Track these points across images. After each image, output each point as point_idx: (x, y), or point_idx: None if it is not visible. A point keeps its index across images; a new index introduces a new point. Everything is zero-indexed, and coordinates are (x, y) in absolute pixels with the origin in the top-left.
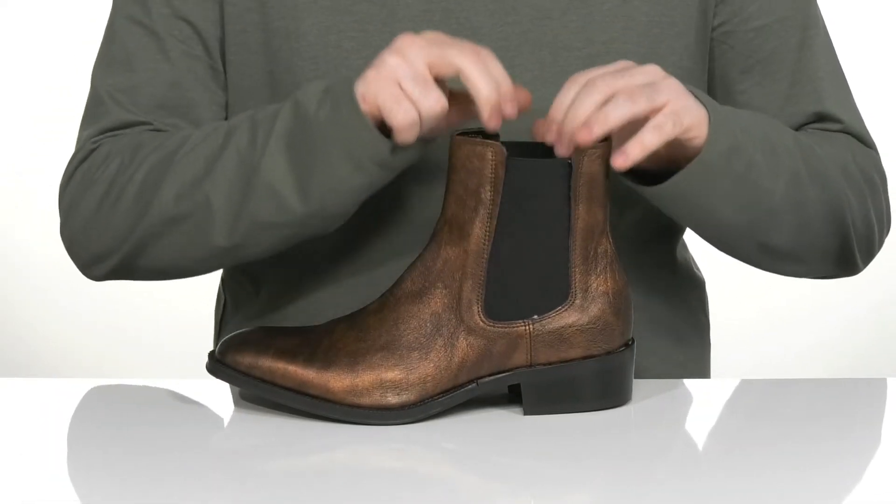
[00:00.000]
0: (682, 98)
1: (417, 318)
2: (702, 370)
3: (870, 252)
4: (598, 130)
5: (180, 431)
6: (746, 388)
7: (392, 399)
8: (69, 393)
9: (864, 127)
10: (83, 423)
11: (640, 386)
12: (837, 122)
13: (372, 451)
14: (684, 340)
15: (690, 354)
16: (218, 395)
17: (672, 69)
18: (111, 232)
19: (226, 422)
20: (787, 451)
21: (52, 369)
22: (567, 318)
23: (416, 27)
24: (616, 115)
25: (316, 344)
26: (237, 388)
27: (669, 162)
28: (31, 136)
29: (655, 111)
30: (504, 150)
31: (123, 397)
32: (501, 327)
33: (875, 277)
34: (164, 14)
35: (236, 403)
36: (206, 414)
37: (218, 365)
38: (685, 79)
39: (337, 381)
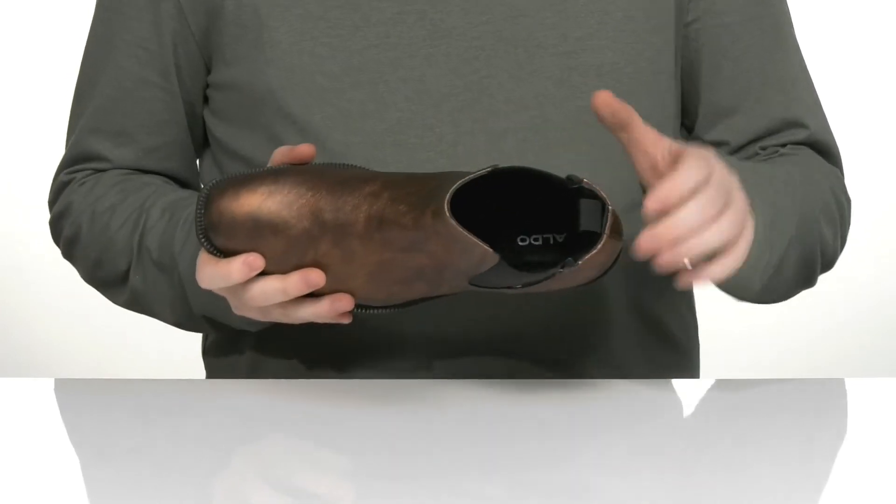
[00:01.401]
0: (748, 230)
1: (402, 265)
2: (690, 370)
3: (829, 267)
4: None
5: (181, 431)
6: (736, 388)
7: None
8: (69, 393)
9: (830, 133)
10: (83, 423)
11: (628, 386)
12: (804, 129)
13: (369, 443)
14: (672, 340)
15: (678, 354)
16: (218, 395)
17: (646, 64)
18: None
19: (226, 421)
20: (781, 451)
21: (51, 369)
22: (554, 286)
23: (390, 31)
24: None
25: (301, 254)
26: (237, 388)
27: None
28: (31, 136)
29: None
30: (497, 258)
31: (123, 397)
32: (488, 289)
33: (875, 277)
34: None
35: (236, 403)
36: (205, 414)
37: (206, 243)
38: (657, 73)
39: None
